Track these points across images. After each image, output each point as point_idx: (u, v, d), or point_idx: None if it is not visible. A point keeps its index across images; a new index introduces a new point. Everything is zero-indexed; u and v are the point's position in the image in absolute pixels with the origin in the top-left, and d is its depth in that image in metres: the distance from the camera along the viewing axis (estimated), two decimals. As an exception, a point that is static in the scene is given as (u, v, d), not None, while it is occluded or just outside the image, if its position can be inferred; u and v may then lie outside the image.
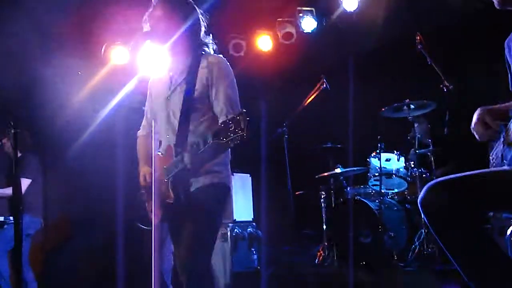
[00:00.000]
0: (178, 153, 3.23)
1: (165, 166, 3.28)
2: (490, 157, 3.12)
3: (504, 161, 2.83)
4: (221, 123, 2.96)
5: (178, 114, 3.38)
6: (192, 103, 3.35)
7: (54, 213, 6.74)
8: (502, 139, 2.84)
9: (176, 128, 3.37)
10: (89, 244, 7.21)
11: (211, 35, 3.60)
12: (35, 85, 6.33)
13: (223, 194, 3.44)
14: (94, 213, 7.00)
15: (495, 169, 2.80)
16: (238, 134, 2.88)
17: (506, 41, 3.10)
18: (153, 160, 3.31)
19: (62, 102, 6.97)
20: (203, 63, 3.41)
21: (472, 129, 2.91)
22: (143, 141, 3.75)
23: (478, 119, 2.84)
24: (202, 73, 3.38)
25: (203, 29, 3.55)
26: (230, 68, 3.46)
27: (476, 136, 2.93)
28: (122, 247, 6.30)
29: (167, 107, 3.46)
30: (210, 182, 3.34)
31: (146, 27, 3.51)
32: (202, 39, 3.54)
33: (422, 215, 2.73)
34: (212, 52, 3.56)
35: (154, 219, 3.19)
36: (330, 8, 7.81)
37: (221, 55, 3.54)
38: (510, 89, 3.12)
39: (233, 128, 2.88)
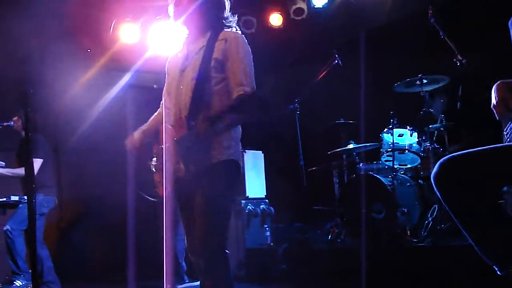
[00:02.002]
0: (190, 126, 3.21)
1: (175, 138, 3.27)
2: (504, 132, 3.09)
3: None
4: (236, 99, 2.97)
5: (192, 83, 3.36)
6: (207, 73, 3.33)
7: (66, 192, 6.77)
8: None
9: (189, 99, 3.34)
10: (102, 223, 7.26)
11: (236, 15, 3.59)
12: (44, 65, 6.32)
13: (233, 170, 3.41)
14: (106, 192, 7.03)
15: (508, 144, 2.78)
16: (253, 113, 2.90)
17: (509, 21, 3.05)
18: (163, 132, 3.30)
19: (71, 81, 6.97)
20: (221, 37, 3.41)
21: (492, 107, 2.88)
22: (156, 115, 3.76)
23: (500, 99, 2.81)
24: (219, 45, 3.37)
25: (227, 7, 3.54)
26: (248, 45, 3.45)
27: (496, 116, 2.90)
28: (135, 225, 6.33)
29: (181, 78, 3.45)
30: (220, 159, 3.32)
31: (171, 3, 3.50)
32: (227, 17, 3.53)
33: (435, 190, 2.73)
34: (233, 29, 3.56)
35: (165, 193, 3.18)
36: (341, -18, 7.73)
37: (239, 31, 3.53)
38: None
39: (248, 106, 2.90)
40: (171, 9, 3.50)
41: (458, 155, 2.74)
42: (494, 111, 2.87)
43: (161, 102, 3.80)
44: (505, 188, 2.79)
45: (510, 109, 2.80)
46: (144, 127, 3.70)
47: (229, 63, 3.34)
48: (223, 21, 3.52)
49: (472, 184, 2.61)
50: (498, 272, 2.69)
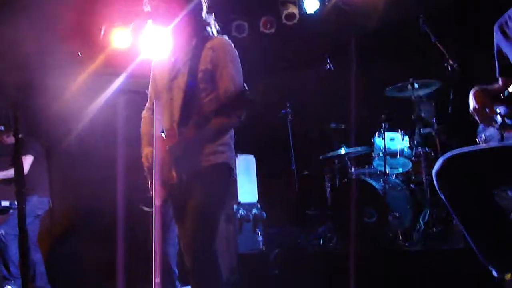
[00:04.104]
0: (181, 133, 3.24)
1: (167, 147, 3.27)
2: (479, 139, 3.12)
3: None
4: (224, 101, 2.98)
5: (181, 95, 3.38)
6: (196, 84, 3.35)
7: (58, 198, 6.74)
8: (498, 123, 2.85)
9: (179, 109, 3.36)
10: (94, 230, 7.22)
11: (213, 14, 3.58)
12: (34, 69, 6.30)
13: (226, 174, 3.45)
14: (97, 198, 6.99)
15: (510, 143, 2.80)
16: (241, 110, 2.91)
17: (496, 25, 3.07)
18: (154, 141, 3.31)
19: (62, 86, 6.94)
20: (208, 45, 3.41)
21: (472, 112, 2.92)
22: (147, 122, 3.75)
23: (481, 105, 2.85)
24: (206, 54, 3.37)
25: (205, 9, 3.52)
26: (235, 50, 3.46)
27: (478, 120, 2.93)
28: (125, 232, 6.31)
29: (171, 88, 3.46)
30: (213, 162, 3.35)
31: (148, 8, 3.48)
32: (205, 19, 3.51)
33: (436, 186, 2.72)
34: (215, 32, 3.55)
35: (155, 201, 3.20)
36: (332, -12, 7.75)
37: (225, 36, 3.52)
38: (497, 75, 3.11)
39: (235, 105, 2.91)
40: (149, 14, 3.47)
41: (461, 151, 2.75)
42: (475, 116, 2.91)
43: (146, 106, 3.79)
44: (494, 192, 2.80)
45: (491, 113, 2.83)
46: (147, 138, 3.67)
47: (218, 72, 3.35)
48: (204, 22, 3.51)
49: (474, 182, 2.62)
50: (494, 274, 2.69)
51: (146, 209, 3.41)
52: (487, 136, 3.03)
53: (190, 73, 3.36)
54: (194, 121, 3.18)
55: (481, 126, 3.14)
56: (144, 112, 3.81)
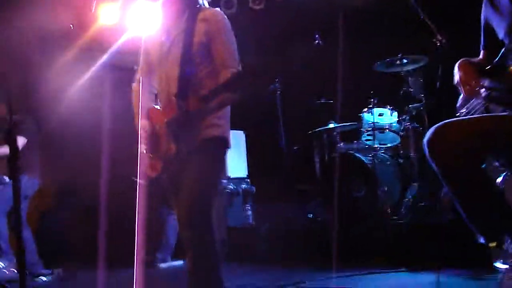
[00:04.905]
0: (180, 106, 3.24)
1: (166, 120, 3.29)
2: (461, 111, 3.15)
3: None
4: (231, 75, 3.02)
5: (177, 68, 3.36)
6: (192, 57, 3.34)
7: (45, 174, 6.70)
8: (483, 95, 2.88)
9: (177, 83, 3.35)
10: (80, 206, 7.22)
11: None
12: (22, 45, 6.24)
13: (223, 147, 3.47)
14: (84, 174, 6.97)
15: (498, 114, 2.83)
16: (248, 86, 2.94)
17: None
18: (139, 113, 3.33)
19: (48, 63, 6.89)
20: (201, 17, 3.39)
21: (457, 84, 2.95)
22: (138, 94, 3.73)
23: (463, 75, 2.88)
24: (200, 27, 3.36)
25: None
26: (228, 21, 3.44)
27: (463, 91, 2.96)
28: (110, 207, 6.28)
29: (166, 62, 3.45)
30: (211, 135, 3.36)
31: None
32: None
33: (427, 155, 2.74)
34: (207, 5, 3.54)
35: (140, 175, 3.21)
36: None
37: (218, 9, 3.51)
38: (481, 48, 3.14)
39: (242, 80, 2.94)
40: None
41: (452, 121, 2.78)
42: (460, 87, 2.94)
43: (136, 78, 3.76)
44: (483, 166, 2.83)
45: (476, 85, 2.87)
46: (139, 110, 3.67)
47: (213, 44, 3.34)
48: None
49: (465, 150, 2.64)
50: (481, 241, 2.73)
51: (138, 180, 3.41)
52: (469, 110, 3.06)
53: (185, 46, 3.35)
54: (202, 95, 3.18)
55: (459, 102, 3.18)
56: (134, 84, 3.77)
